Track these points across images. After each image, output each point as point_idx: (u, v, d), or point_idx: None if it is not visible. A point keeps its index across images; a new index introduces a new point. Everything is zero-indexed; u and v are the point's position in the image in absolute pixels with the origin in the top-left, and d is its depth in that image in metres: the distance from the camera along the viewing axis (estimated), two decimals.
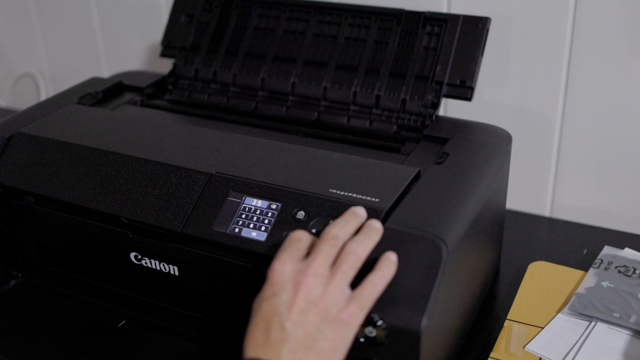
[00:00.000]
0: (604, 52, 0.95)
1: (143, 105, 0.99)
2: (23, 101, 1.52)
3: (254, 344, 0.58)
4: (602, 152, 1.00)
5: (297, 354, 0.57)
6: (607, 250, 0.89)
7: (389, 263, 0.62)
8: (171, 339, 0.77)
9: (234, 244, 0.69)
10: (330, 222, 0.67)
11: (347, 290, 0.60)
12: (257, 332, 0.58)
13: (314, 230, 0.67)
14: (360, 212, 0.65)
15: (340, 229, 0.63)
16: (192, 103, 0.99)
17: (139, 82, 1.03)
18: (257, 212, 0.70)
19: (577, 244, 0.95)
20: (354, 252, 0.61)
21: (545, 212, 1.07)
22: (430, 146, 0.83)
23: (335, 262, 0.61)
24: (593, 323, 0.78)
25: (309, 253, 0.62)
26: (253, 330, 0.59)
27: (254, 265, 0.70)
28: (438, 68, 0.88)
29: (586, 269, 0.87)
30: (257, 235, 0.69)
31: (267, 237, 0.69)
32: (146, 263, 0.76)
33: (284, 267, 0.60)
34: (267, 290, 0.60)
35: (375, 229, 0.64)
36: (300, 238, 0.63)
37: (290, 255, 0.61)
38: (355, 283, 0.61)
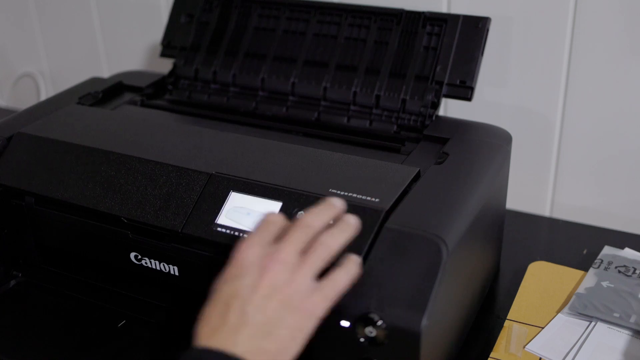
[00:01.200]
0: (604, 52, 0.94)
1: (143, 105, 0.99)
2: (23, 101, 1.52)
3: (208, 327, 0.56)
4: (602, 152, 1.00)
5: (255, 339, 0.55)
6: (607, 250, 0.89)
7: (353, 263, 0.60)
8: (171, 339, 0.77)
9: (234, 244, 0.69)
10: (301, 213, 0.66)
11: (313, 281, 0.59)
12: (213, 314, 0.56)
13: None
14: (336, 203, 0.63)
15: (314, 218, 0.61)
16: (192, 103, 0.99)
17: (139, 82, 1.02)
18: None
19: (577, 244, 0.95)
20: (327, 244, 0.60)
21: (545, 212, 1.07)
22: (430, 146, 0.83)
23: (305, 250, 0.59)
24: (593, 323, 0.77)
25: (280, 237, 0.60)
26: (210, 313, 0.57)
27: None
28: (438, 68, 0.88)
29: (586, 269, 0.87)
30: None
31: None
32: (146, 263, 0.76)
33: (251, 250, 0.58)
34: (231, 272, 0.58)
35: (351, 224, 0.62)
36: (273, 221, 0.61)
37: (259, 238, 0.60)
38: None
